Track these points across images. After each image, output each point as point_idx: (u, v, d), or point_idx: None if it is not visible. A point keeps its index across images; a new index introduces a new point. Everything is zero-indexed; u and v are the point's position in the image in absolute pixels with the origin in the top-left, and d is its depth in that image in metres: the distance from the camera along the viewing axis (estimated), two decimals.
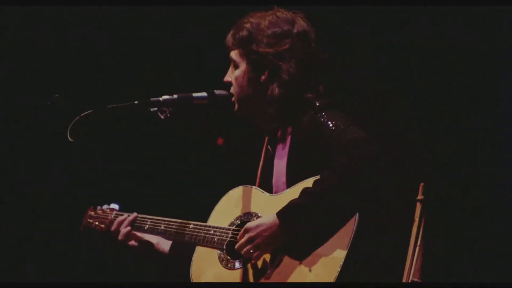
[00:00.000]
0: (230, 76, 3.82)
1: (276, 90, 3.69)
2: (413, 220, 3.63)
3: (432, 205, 3.66)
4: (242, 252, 3.58)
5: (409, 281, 3.59)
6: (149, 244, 4.03)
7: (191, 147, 5.75)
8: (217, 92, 3.89)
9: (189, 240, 3.81)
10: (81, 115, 3.71)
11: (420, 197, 3.64)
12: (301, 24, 3.75)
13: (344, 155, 3.46)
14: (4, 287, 5.50)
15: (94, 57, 5.78)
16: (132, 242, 4.04)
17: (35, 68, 5.78)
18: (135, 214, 4.06)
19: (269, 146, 3.83)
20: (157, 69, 5.75)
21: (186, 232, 3.84)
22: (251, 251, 3.56)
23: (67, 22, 5.72)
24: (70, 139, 3.68)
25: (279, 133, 3.76)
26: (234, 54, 3.80)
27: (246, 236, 3.57)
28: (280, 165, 3.70)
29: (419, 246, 3.62)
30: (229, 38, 3.81)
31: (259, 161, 3.88)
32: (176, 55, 5.72)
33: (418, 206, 3.63)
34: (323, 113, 3.61)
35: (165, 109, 3.81)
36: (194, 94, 3.88)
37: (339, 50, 4.53)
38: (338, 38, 5.06)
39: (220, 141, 5.67)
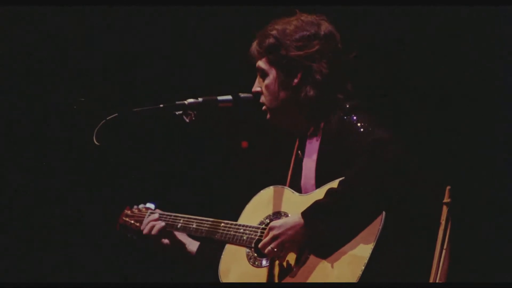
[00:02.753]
0: (259, 86, 3.83)
1: (311, 91, 3.70)
2: (439, 223, 3.62)
3: (458, 208, 3.65)
4: (266, 251, 3.60)
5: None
6: (180, 243, 4.06)
7: (217, 149, 5.77)
8: (242, 95, 3.90)
9: (220, 239, 3.84)
10: (107, 118, 3.73)
11: (446, 200, 3.62)
12: (326, 26, 3.76)
13: (368, 156, 3.47)
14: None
15: (119, 61, 5.80)
16: (165, 240, 4.07)
17: (61, 72, 5.81)
18: (157, 215, 4.10)
19: (299, 151, 3.83)
20: (182, 72, 5.76)
21: (217, 230, 3.86)
22: (275, 249, 3.58)
23: (92, 25, 5.75)
24: (96, 143, 3.71)
25: (308, 135, 3.77)
26: (262, 63, 3.80)
27: (271, 234, 3.59)
28: (309, 167, 3.72)
29: (446, 249, 3.60)
30: (255, 47, 3.81)
31: (289, 164, 3.89)
32: (200, 58, 5.73)
33: (445, 209, 3.61)
34: (353, 115, 3.63)
35: (190, 112, 3.83)
36: (219, 97, 3.89)
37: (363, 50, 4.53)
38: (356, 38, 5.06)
39: (244, 144, 5.69)
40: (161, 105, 3.82)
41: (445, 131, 5.06)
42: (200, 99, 3.85)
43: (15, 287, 5.64)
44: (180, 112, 3.82)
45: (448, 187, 3.61)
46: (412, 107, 5.12)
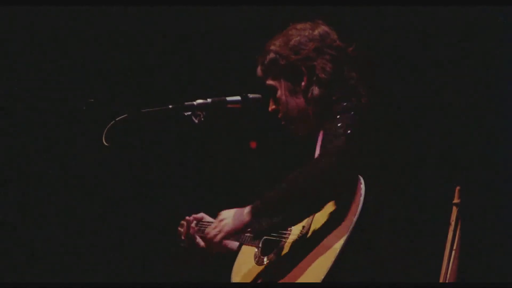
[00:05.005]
0: (273, 104, 3.85)
1: (316, 90, 3.72)
2: (449, 224, 3.62)
3: (468, 208, 3.65)
4: (206, 232, 3.76)
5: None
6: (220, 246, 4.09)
7: (232, 149, 5.79)
8: (250, 96, 3.91)
9: (238, 240, 3.92)
10: (116, 119, 3.74)
11: (456, 200, 3.62)
12: (321, 28, 3.78)
13: (316, 159, 3.53)
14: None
15: (128, 62, 5.81)
16: (201, 243, 4.11)
17: (69, 73, 5.83)
18: (192, 217, 4.16)
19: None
20: (190, 73, 5.77)
21: None
22: (212, 230, 3.71)
23: (100, 26, 5.76)
24: (106, 143, 3.72)
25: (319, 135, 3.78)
26: (269, 81, 3.83)
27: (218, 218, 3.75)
28: None
29: (455, 249, 3.60)
30: (259, 69, 3.84)
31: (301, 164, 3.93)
32: (209, 58, 5.74)
33: (454, 209, 3.62)
34: (338, 115, 3.62)
35: (199, 113, 3.83)
36: (228, 98, 3.90)
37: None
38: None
39: (253, 144, 5.69)
40: (170, 106, 3.83)
41: (455, 131, 5.05)
42: (208, 100, 3.86)
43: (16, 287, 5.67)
44: (189, 113, 3.83)
45: (458, 188, 3.61)
46: (422, 107, 5.12)
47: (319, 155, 3.56)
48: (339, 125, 3.58)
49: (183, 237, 4.14)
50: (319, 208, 3.56)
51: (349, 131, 3.54)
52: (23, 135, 5.86)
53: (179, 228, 4.24)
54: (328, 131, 3.60)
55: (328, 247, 3.47)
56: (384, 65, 5.07)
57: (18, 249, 5.89)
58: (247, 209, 3.64)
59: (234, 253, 4.04)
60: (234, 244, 4.09)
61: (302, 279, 3.49)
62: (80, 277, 5.89)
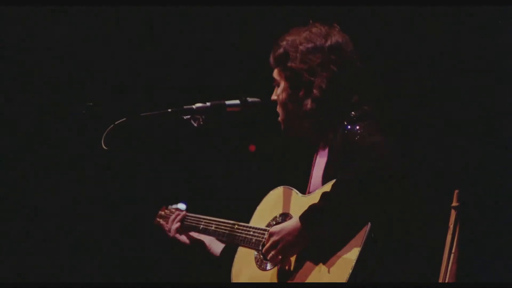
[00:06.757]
0: (275, 94, 3.86)
1: (309, 105, 3.73)
2: (447, 227, 3.63)
3: (466, 211, 3.65)
4: (268, 258, 3.67)
5: None
6: (201, 243, 4.18)
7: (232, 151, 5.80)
8: (249, 99, 3.92)
9: (233, 241, 3.93)
10: (115, 123, 3.75)
11: (454, 204, 3.63)
12: (335, 38, 3.76)
13: (359, 161, 3.49)
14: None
15: (127, 65, 5.82)
16: (184, 239, 4.22)
17: (68, 76, 5.83)
18: (184, 212, 4.24)
19: (314, 161, 3.87)
20: (189, 76, 5.77)
21: (231, 232, 3.96)
22: (277, 256, 3.64)
23: (100, 28, 5.77)
24: (105, 147, 3.72)
25: (320, 145, 3.80)
26: (275, 73, 3.85)
27: (271, 241, 3.65)
28: (317, 176, 3.75)
29: (454, 253, 3.61)
30: (271, 57, 3.86)
31: (301, 166, 3.96)
32: (208, 62, 5.74)
33: (453, 213, 3.62)
34: (356, 124, 3.64)
35: (198, 116, 3.85)
36: (227, 102, 3.91)
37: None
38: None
39: (252, 148, 5.71)
40: (169, 110, 3.84)
41: (454, 134, 5.06)
42: (208, 104, 3.87)
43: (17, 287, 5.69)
44: (188, 116, 3.84)
45: (456, 191, 3.62)
46: (421, 111, 5.12)
47: (358, 158, 3.48)
48: (359, 132, 3.59)
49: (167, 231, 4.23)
50: (375, 209, 3.49)
51: (375, 132, 3.56)
52: (23, 136, 5.87)
53: (158, 219, 4.33)
54: (350, 142, 3.59)
55: (343, 258, 3.47)
56: (383, 65, 5.09)
57: (17, 249, 5.91)
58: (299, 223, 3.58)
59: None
60: (219, 246, 4.13)
61: None
62: (80, 277, 5.91)
